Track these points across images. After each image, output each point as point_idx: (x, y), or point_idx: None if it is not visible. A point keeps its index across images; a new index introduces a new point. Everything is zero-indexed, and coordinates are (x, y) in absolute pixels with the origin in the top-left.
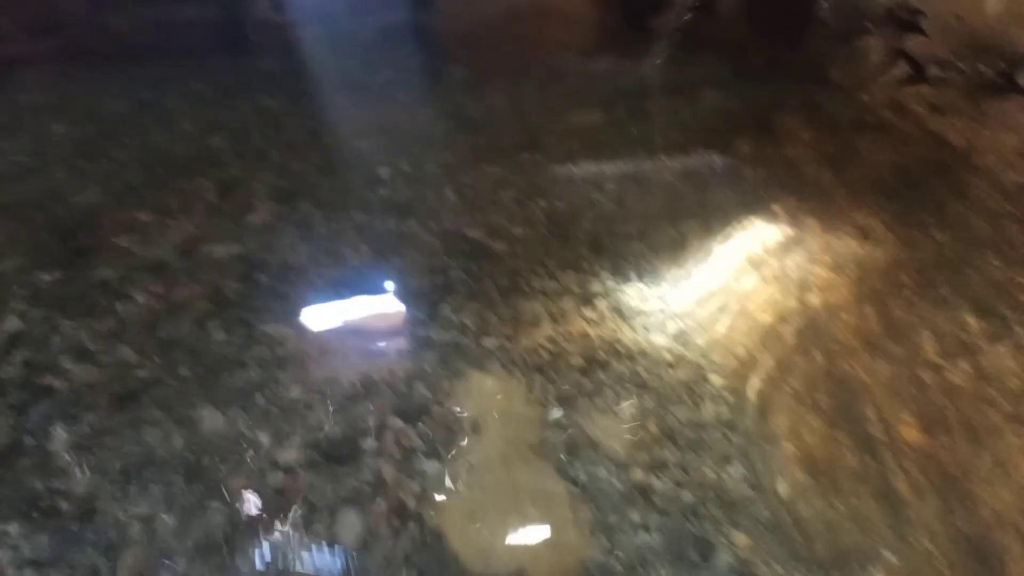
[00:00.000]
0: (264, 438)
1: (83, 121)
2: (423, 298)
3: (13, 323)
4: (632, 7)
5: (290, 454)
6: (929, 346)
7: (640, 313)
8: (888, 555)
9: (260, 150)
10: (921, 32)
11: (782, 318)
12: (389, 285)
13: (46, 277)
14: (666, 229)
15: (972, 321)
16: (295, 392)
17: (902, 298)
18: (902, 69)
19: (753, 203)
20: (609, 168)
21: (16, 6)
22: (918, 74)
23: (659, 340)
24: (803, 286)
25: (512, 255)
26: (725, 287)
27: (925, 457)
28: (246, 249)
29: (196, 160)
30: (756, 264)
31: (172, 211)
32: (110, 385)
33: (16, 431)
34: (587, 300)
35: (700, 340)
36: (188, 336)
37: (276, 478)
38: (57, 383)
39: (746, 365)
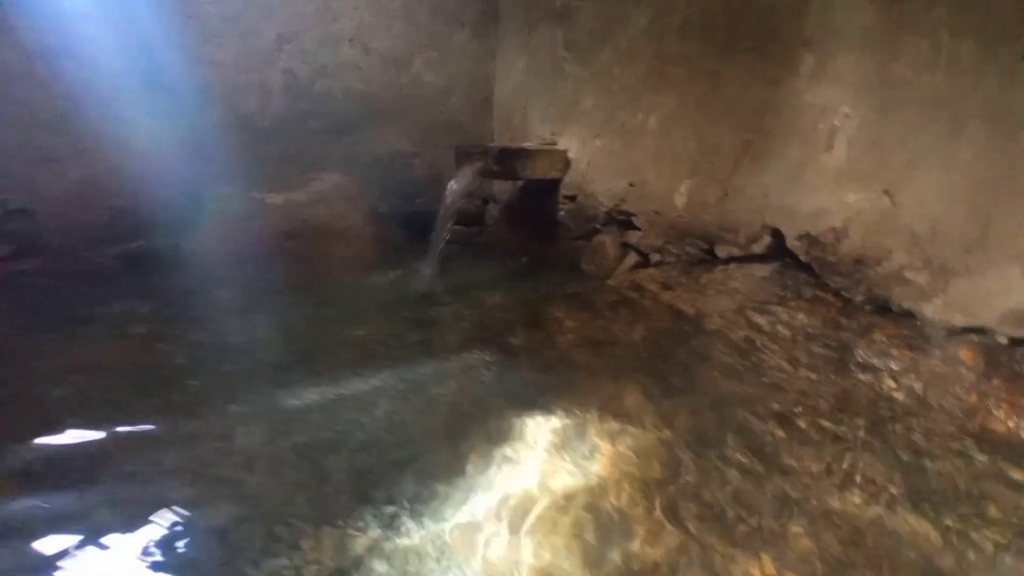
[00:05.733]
0: None
1: None
2: None
3: None
4: (409, 222)
5: None
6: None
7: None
8: None
9: None
10: (637, 228)
11: (574, 532)
12: None
13: None
14: (444, 448)
15: (736, 477)
16: None
17: (675, 483)
18: (632, 258)
19: (532, 399)
20: (383, 384)
21: None
22: (645, 260)
23: None
24: (589, 487)
25: (256, 515)
26: (505, 500)
27: None
28: None
29: None
30: (538, 468)
31: None
32: None
33: None
34: (341, 572)
35: None
36: None
37: None
38: None
39: None
